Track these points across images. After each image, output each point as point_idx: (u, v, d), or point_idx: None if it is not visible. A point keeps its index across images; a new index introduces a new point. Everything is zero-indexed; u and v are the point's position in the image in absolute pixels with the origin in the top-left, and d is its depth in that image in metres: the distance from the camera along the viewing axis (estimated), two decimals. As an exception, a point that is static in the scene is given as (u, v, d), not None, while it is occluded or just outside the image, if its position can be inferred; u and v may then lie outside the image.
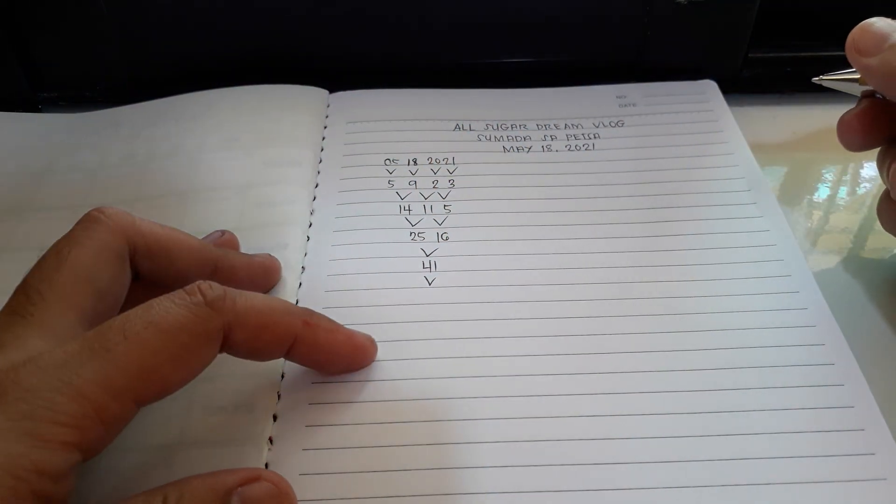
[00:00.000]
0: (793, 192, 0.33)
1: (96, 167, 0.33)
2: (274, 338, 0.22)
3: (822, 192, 0.34)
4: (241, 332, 0.21)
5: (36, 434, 0.17)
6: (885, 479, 0.22)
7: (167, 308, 0.20)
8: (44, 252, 0.22)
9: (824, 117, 0.37)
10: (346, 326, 0.24)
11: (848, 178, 0.35)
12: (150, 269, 0.23)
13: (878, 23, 0.25)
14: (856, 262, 0.30)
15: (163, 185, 0.32)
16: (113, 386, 0.18)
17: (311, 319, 0.23)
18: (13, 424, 0.17)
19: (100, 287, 0.21)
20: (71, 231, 0.22)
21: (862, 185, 0.34)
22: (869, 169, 0.35)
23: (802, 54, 0.39)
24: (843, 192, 0.34)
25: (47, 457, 0.17)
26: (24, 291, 0.21)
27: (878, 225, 0.30)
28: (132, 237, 0.23)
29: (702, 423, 0.23)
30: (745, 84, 0.38)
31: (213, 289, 0.20)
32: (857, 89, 0.28)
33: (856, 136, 0.28)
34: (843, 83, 0.29)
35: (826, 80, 0.29)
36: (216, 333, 0.20)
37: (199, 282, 0.21)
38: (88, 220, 0.23)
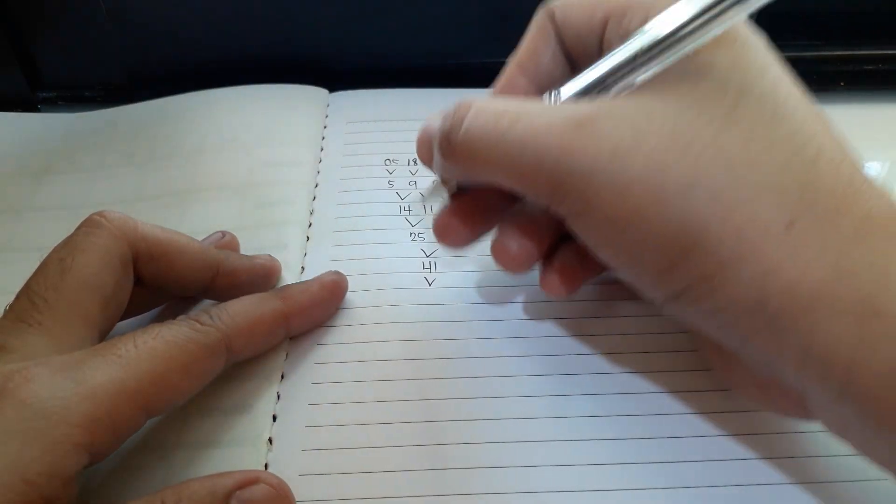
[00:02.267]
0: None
1: (95, 167, 0.33)
2: (267, 327, 0.23)
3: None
4: (238, 338, 0.22)
5: (48, 435, 0.17)
6: (885, 479, 0.22)
7: (171, 325, 0.21)
8: (43, 253, 0.22)
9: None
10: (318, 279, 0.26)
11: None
12: (152, 274, 0.23)
13: (424, 125, 0.24)
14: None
15: (162, 185, 0.32)
16: (125, 390, 0.19)
17: (285, 293, 0.24)
18: (25, 425, 0.17)
19: (105, 294, 0.21)
20: (73, 236, 0.22)
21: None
22: (870, 168, 0.35)
23: (803, 53, 0.39)
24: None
25: (59, 460, 0.17)
26: (29, 298, 0.21)
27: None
28: (135, 242, 0.23)
29: (702, 422, 0.23)
30: (746, 84, 0.38)
31: (200, 315, 0.22)
32: (447, 191, 0.25)
33: (462, 229, 0.24)
34: (435, 194, 0.25)
35: (426, 198, 0.26)
36: (220, 346, 0.21)
37: (184, 316, 0.22)
38: (90, 225, 0.23)
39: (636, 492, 0.22)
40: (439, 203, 0.25)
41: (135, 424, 0.19)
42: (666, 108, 0.19)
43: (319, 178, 0.33)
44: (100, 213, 0.23)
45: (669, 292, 0.20)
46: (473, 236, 0.24)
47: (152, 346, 0.20)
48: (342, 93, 0.37)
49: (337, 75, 0.38)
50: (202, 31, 0.37)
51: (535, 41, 0.24)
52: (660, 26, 0.19)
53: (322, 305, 0.26)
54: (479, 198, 0.24)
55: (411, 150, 0.34)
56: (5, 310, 0.21)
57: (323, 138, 0.35)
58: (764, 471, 0.22)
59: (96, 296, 0.21)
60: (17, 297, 0.21)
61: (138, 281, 0.23)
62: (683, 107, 0.19)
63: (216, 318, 0.22)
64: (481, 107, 0.21)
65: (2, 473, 0.17)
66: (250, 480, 0.19)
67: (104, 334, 0.22)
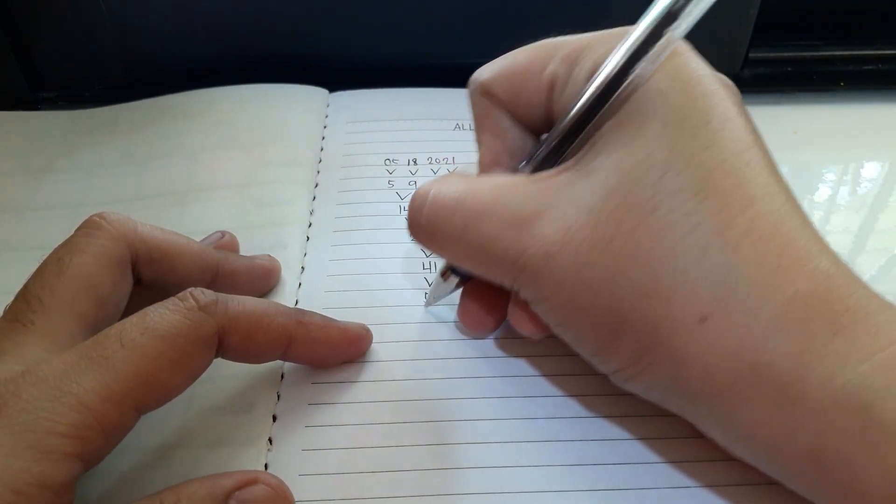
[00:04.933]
0: (793, 192, 0.33)
1: (95, 166, 0.33)
2: (268, 339, 0.22)
3: (823, 192, 0.34)
4: (234, 335, 0.21)
5: (37, 446, 0.17)
6: None
7: (162, 314, 0.20)
8: (43, 252, 0.22)
9: (825, 116, 0.37)
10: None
11: (849, 178, 0.35)
12: (151, 275, 0.23)
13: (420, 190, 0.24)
14: (857, 263, 0.30)
15: (161, 185, 0.32)
16: (113, 394, 0.18)
17: (303, 318, 0.23)
18: (14, 437, 0.17)
19: (101, 294, 0.21)
20: (72, 237, 0.22)
21: (863, 185, 0.34)
22: (870, 169, 0.35)
23: (802, 54, 0.39)
24: (844, 192, 0.33)
25: (49, 469, 0.17)
26: (25, 298, 0.20)
27: (878, 225, 0.30)
28: (133, 243, 0.23)
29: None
30: (746, 83, 0.38)
31: (204, 294, 0.21)
32: (452, 282, 0.25)
33: (486, 319, 0.25)
34: (440, 290, 0.26)
35: (433, 302, 0.27)
36: (211, 337, 0.20)
37: (190, 289, 0.21)
38: (90, 226, 0.22)
39: (638, 491, 0.22)
40: (447, 295, 0.26)
41: (127, 425, 0.19)
42: (593, 195, 0.20)
43: (319, 177, 0.33)
44: (99, 215, 0.23)
45: (608, 369, 0.21)
46: (499, 317, 0.25)
47: (139, 343, 0.19)
48: (342, 93, 0.37)
49: (337, 75, 0.38)
50: (202, 31, 0.37)
51: (487, 129, 0.25)
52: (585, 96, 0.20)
53: (331, 349, 0.24)
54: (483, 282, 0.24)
55: (411, 150, 0.34)
56: (5, 310, 0.21)
57: (323, 138, 0.35)
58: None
59: (92, 296, 0.21)
60: (15, 298, 0.21)
61: (138, 282, 0.23)
62: (608, 191, 0.20)
63: (220, 305, 0.21)
64: (435, 199, 0.22)
65: None
66: (249, 481, 0.19)
67: None
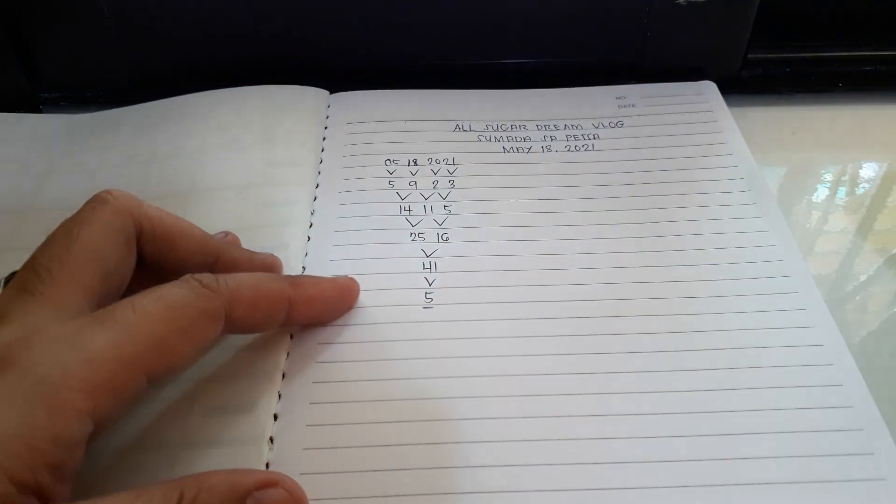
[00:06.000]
0: (792, 193, 0.34)
1: (97, 168, 0.33)
2: (270, 305, 0.23)
3: (821, 193, 0.34)
4: (239, 307, 0.22)
5: (51, 401, 0.17)
6: (884, 480, 0.22)
7: (170, 289, 0.21)
8: None
9: (823, 117, 0.37)
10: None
11: (847, 178, 0.35)
12: (153, 254, 0.24)
13: None
14: (854, 263, 0.30)
15: (164, 186, 0.32)
16: (124, 354, 0.19)
17: (296, 280, 0.24)
18: (28, 391, 0.17)
19: (108, 267, 0.22)
20: (79, 211, 0.23)
21: (861, 186, 0.34)
22: (868, 169, 0.35)
23: (802, 54, 0.39)
24: (842, 192, 0.34)
25: (63, 424, 0.17)
26: (34, 268, 0.21)
27: (877, 225, 0.30)
28: (139, 219, 0.23)
29: (701, 422, 0.23)
30: (745, 85, 0.39)
31: (204, 276, 0.22)
32: None
33: None
34: None
35: None
36: (218, 311, 0.21)
37: (189, 274, 0.22)
38: (96, 201, 0.23)
39: (640, 491, 0.22)
40: None
41: (136, 389, 0.19)
42: None
43: (320, 178, 0.33)
44: (106, 191, 0.23)
45: None
46: None
47: (151, 310, 0.20)
48: (342, 93, 0.38)
49: (337, 76, 0.38)
50: (203, 31, 0.37)
51: None
52: None
53: (328, 303, 0.26)
54: None
55: (411, 150, 0.34)
56: (13, 279, 0.21)
57: (323, 139, 0.35)
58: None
59: (98, 268, 0.21)
60: (23, 269, 0.21)
61: (140, 261, 0.23)
62: None
63: (221, 283, 0.22)
64: None
65: (6, 440, 0.17)
66: (269, 483, 0.19)
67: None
